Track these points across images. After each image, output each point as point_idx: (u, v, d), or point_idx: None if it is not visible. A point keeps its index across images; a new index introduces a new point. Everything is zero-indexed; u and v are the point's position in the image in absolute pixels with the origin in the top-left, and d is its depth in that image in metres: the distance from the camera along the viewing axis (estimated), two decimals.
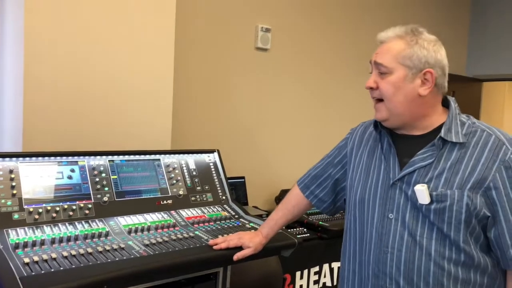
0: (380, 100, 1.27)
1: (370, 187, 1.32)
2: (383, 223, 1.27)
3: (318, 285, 2.67)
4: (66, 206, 1.54)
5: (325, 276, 2.70)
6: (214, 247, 1.52)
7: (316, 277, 2.65)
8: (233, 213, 1.87)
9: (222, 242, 1.53)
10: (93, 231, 1.49)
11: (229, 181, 2.00)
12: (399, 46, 1.24)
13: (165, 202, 1.76)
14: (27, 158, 1.55)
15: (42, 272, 1.21)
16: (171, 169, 1.85)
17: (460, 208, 1.16)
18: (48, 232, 1.44)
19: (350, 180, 1.42)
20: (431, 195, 1.18)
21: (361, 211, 1.35)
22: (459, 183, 1.18)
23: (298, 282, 2.56)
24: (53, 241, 1.40)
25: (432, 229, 1.20)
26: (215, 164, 1.99)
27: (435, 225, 1.19)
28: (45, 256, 1.29)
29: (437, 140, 1.21)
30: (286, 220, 1.61)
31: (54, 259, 1.29)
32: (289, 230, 2.08)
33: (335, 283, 2.73)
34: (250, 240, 1.55)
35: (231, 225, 1.76)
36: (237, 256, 1.51)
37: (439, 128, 1.24)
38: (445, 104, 1.30)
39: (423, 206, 1.20)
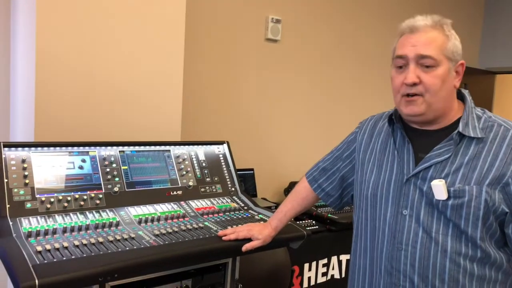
0: (415, 94, 1.20)
1: (383, 182, 1.30)
2: (397, 220, 1.25)
3: (326, 277, 2.68)
4: (77, 196, 1.55)
5: (333, 269, 2.70)
6: (223, 238, 1.53)
7: (324, 269, 2.65)
8: (242, 205, 1.88)
9: (232, 233, 1.54)
10: (104, 221, 1.51)
11: (238, 172, 2.00)
12: (441, 37, 1.19)
13: (175, 193, 1.78)
14: (39, 148, 1.56)
15: (54, 260, 1.23)
16: (181, 160, 1.86)
17: (479, 204, 1.15)
18: (60, 221, 1.46)
19: (361, 175, 1.40)
20: (448, 191, 1.16)
21: (373, 207, 1.33)
22: (477, 179, 1.16)
23: (306, 274, 2.56)
24: (64, 230, 1.42)
25: (448, 226, 1.18)
26: (224, 155, 2.00)
27: (452, 221, 1.17)
28: (57, 245, 1.31)
29: (455, 135, 1.19)
30: (295, 212, 1.61)
31: (66, 247, 1.31)
32: (298, 222, 2.07)
33: (343, 275, 2.73)
34: (259, 232, 1.55)
35: (240, 217, 1.77)
36: (245, 247, 1.52)
37: (455, 123, 1.22)
38: (458, 97, 1.28)
39: (440, 202, 1.18)
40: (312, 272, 2.59)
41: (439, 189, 1.17)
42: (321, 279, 2.64)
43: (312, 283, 2.60)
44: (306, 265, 2.56)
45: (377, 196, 1.31)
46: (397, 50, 1.24)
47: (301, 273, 2.54)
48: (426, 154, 1.23)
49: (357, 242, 1.41)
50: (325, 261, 2.65)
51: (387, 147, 1.34)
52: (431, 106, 1.20)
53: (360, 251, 1.39)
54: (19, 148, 1.53)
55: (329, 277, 2.68)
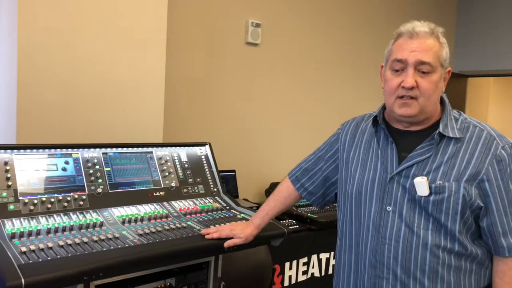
0: (410, 97, 1.26)
1: (367, 181, 1.37)
2: (381, 216, 1.32)
3: (307, 276, 2.73)
4: (60, 198, 1.56)
5: (313, 267, 2.76)
6: (206, 236, 1.56)
7: (304, 268, 2.71)
8: (225, 204, 1.92)
9: (214, 232, 1.58)
10: (88, 222, 1.53)
11: (220, 174, 2.04)
12: (437, 45, 1.27)
13: (157, 193, 1.80)
14: (22, 150, 1.57)
15: (39, 260, 1.24)
16: (163, 161, 1.89)
17: (457, 199, 1.23)
18: (44, 222, 1.47)
19: (345, 174, 1.46)
20: (430, 187, 1.24)
21: (357, 205, 1.39)
22: (456, 176, 1.24)
23: (287, 272, 2.61)
24: (48, 231, 1.43)
25: (429, 220, 1.26)
26: (206, 157, 2.03)
27: (432, 216, 1.25)
28: (41, 245, 1.32)
29: (436, 135, 1.27)
30: (277, 211, 1.65)
31: (51, 248, 1.32)
32: (280, 222, 2.12)
33: (323, 273, 2.79)
34: (241, 231, 1.59)
35: (222, 216, 1.81)
36: (227, 243, 1.56)
37: (435, 124, 1.30)
38: None
39: (422, 198, 1.25)
40: (292, 271, 2.65)
41: (421, 185, 1.25)
42: (301, 278, 2.70)
43: (293, 281, 2.65)
44: (287, 264, 2.61)
45: (362, 193, 1.37)
46: (395, 53, 1.29)
47: (282, 272, 2.59)
48: (408, 154, 1.31)
49: (342, 238, 1.47)
50: (305, 259, 2.71)
51: (371, 146, 1.41)
52: (423, 109, 1.27)
53: (345, 247, 1.45)
54: (1, 151, 1.53)
55: (309, 275, 2.74)
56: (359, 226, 1.38)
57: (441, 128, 1.28)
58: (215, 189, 1.98)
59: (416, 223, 1.27)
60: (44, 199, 1.53)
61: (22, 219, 1.45)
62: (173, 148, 1.96)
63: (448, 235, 1.25)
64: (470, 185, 1.24)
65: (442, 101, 1.35)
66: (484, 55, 4.89)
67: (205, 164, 2.01)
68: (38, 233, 1.41)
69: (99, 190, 1.66)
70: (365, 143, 1.43)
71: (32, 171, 1.56)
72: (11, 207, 1.46)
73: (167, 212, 1.73)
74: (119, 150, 1.79)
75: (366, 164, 1.40)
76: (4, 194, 1.47)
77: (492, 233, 1.26)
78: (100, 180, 1.68)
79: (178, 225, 1.63)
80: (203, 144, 2.05)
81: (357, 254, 1.39)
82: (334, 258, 1.57)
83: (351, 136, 1.50)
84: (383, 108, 1.41)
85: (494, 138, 1.27)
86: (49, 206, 1.53)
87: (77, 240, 1.39)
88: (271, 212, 1.65)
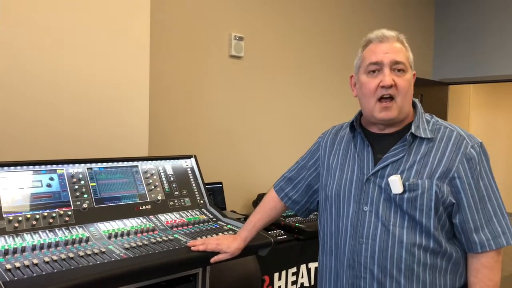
0: (389, 98, 1.31)
1: (345, 183, 1.41)
2: (358, 216, 1.36)
3: (296, 286, 2.74)
4: (46, 214, 1.56)
5: (302, 277, 2.77)
6: (192, 248, 1.57)
7: (294, 278, 2.72)
8: (211, 216, 1.93)
9: (201, 244, 1.58)
10: (74, 237, 1.52)
11: (206, 186, 2.05)
12: (403, 48, 1.35)
13: (144, 207, 1.80)
14: (6, 168, 1.56)
15: (25, 276, 1.24)
16: (149, 175, 1.89)
17: (430, 196, 1.27)
18: (29, 239, 1.46)
19: (325, 179, 1.50)
20: (404, 185, 1.29)
21: (336, 207, 1.43)
22: (428, 174, 1.29)
23: (276, 283, 2.62)
24: (34, 248, 1.43)
25: (404, 218, 1.30)
26: (192, 169, 2.04)
27: (408, 214, 1.29)
28: (26, 262, 1.31)
29: (408, 136, 1.33)
30: (264, 222, 1.67)
31: (36, 264, 1.32)
32: (268, 232, 2.13)
33: (312, 283, 2.80)
34: (227, 246, 1.59)
35: (209, 228, 1.81)
36: (214, 259, 1.58)
37: (408, 126, 1.36)
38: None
39: (397, 196, 1.30)
40: (282, 281, 2.65)
41: (395, 183, 1.29)
42: None
43: None
44: (276, 275, 2.61)
45: (340, 195, 1.42)
46: (368, 58, 1.35)
47: (271, 283, 2.59)
48: (383, 155, 1.36)
49: (323, 243, 1.50)
50: (294, 269, 2.72)
51: (348, 151, 1.46)
52: (401, 109, 1.33)
53: (326, 250, 1.48)
54: None
55: (298, 285, 2.74)
56: (338, 228, 1.42)
57: (413, 129, 1.33)
58: (202, 201, 1.99)
59: (392, 221, 1.30)
60: (29, 216, 1.52)
61: (6, 237, 1.44)
62: (159, 161, 1.96)
63: (423, 232, 1.29)
64: (442, 182, 1.28)
65: (414, 105, 1.41)
66: (463, 62, 5.01)
67: (191, 177, 2.02)
68: (23, 250, 1.40)
69: (85, 205, 1.66)
70: (343, 149, 1.48)
71: (16, 188, 1.55)
72: None
73: (153, 225, 1.74)
74: (104, 164, 1.80)
75: (344, 168, 1.44)
76: None
77: (465, 229, 1.30)
78: (85, 196, 1.68)
79: (164, 238, 1.63)
80: (188, 157, 2.07)
81: (337, 256, 1.42)
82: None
83: (331, 143, 1.54)
84: (360, 114, 1.47)
85: (464, 137, 1.32)
86: (34, 222, 1.52)
87: (63, 256, 1.39)
88: (258, 224, 1.67)
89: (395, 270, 1.30)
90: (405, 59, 1.33)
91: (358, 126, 1.45)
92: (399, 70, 1.32)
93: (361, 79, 1.37)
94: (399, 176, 1.30)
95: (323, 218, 1.50)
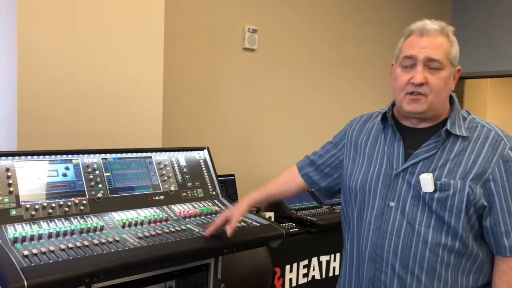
0: (419, 94, 1.28)
1: (372, 176, 1.38)
2: (383, 211, 1.33)
3: (307, 279, 2.75)
4: (61, 203, 1.59)
5: (313, 270, 2.77)
6: (206, 234, 1.56)
7: (305, 270, 2.73)
8: (223, 207, 1.94)
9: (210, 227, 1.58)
10: (89, 226, 1.55)
11: (219, 178, 2.06)
12: (447, 43, 1.29)
13: (157, 198, 1.83)
14: (23, 157, 1.60)
15: (41, 263, 1.27)
16: (162, 166, 1.91)
17: (462, 197, 1.24)
18: (45, 227, 1.49)
19: (350, 170, 1.47)
20: (435, 184, 1.26)
21: (361, 199, 1.41)
22: (462, 174, 1.26)
23: (287, 275, 2.63)
24: (50, 236, 1.46)
25: (431, 217, 1.27)
26: (205, 161, 2.06)
27: (436, 213, 1.26)
28: (43, 249, 1.34)
29: (443, 132, 1.29)
30: (275, 189, 1.64)
31: (52, 251, 1.35)
32: (280, 225, 2.15)
33: (323, 276, 2.81)
34: (231, 211, 1.56)
35: None
36: (229, 232, 1.51)
37: (443, 122, 1.32)
38: None
39: (427, 195, 1.27)
40: (293, 274, 2.66)
41: (427, 182, 1.26)
42: (302, 280, 2.71)
43: (294, 284, 2.66)
44: (287, 267, 2.62)
45: (366, 188, 1.39)
46: (405, 50, 1.31)
47: (283, 275, 2.60)
48: (414, 151, 1.32)
49: (348, 229, 1.49)
50: (305, 262, 2.72)
51: (378, 143, 1.42)
52: (432, 106, 1.29)
53: (349, 242, 1.47)
54: (3, 157, 1.56)
55: (310, 278, 2.75)
56: (362, 219, 1.40)
57: (448, 126, 1.29)
58: (214, 193, 2.00)
59: (418, 220, 1.28)
60: (45, 204, 1.56)
61: (24, 224, 1.48)
62: (172, 152, 1.98)
63: (450, 233, 1.26)
64: (476, 184, 1.25)
65: (452, 100, 1.37)
66: (480, 56, 4.92)
67: (204, 168, 2.04)
68: (40, 237, 1.44)
69: (99, 195, 1.68)
70: (372, 139, 1.45)
71: (33, 177, 1.58)
72: (13, 212, 1.49)
73: (166, 215, 1.76)
74: (119, 155, 1.82)
75: (371, 160, 1.41)
76: (6, 200, 1.50)
77: (495, 232, 1.27)
78: (100, 185, 1.71)
79: (177, 228, 1.66)
80: (201, 149, 2.08)
81: (359, 247, 1.41)
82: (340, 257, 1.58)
83: (358, 132, 1.51)
84: (393, 105, 1.43)
85: (502, 138, 1.28)
86: (50, 211, 1.55)
87: (78, 244, 1.42)
88: (269, 188, 1.64)
89: (417, 267, 1.28)
90: (442, 56, 1.27)
91: (390, 117, 1.41)
92: (433, 69, 1.27)
93: (396, 71, 1.34)
94: (431, 175, 1.26)
95: (346, 206, 1.49)
